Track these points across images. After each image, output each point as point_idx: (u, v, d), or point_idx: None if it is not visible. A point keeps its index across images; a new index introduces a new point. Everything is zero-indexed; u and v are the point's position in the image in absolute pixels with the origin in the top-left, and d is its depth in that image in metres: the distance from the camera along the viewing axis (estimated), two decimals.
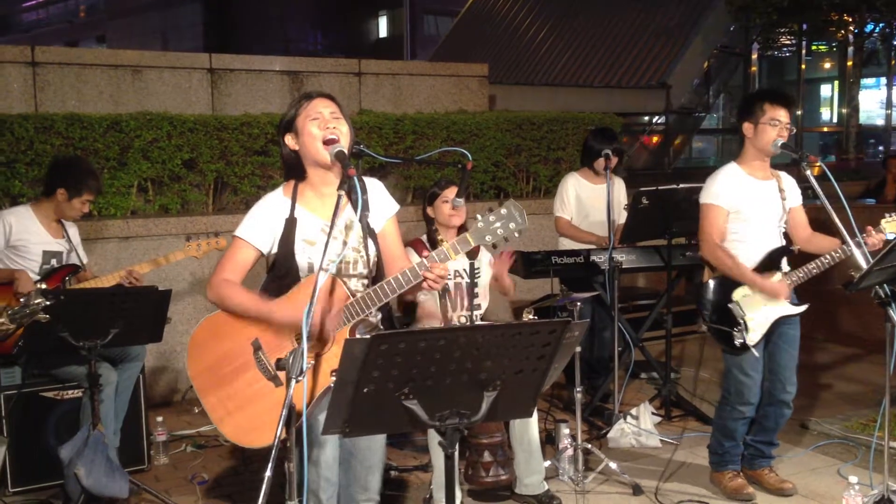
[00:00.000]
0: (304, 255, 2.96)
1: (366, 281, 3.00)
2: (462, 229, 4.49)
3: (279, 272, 2.99)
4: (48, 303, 2.76)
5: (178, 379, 6.18)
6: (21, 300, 2.78)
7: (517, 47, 21.81)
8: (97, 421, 4.11)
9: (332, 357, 2.80)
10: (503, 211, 2.72)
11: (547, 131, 7.94)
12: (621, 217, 5.58)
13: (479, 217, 2.76)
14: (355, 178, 2.79)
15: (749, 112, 4.18)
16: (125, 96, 7.07)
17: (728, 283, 4.18)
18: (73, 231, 4.80)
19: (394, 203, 3.14)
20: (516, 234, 2.74)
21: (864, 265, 3.80)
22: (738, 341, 4.14)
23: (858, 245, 3.91)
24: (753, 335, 4.15)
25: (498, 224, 2.72)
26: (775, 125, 4.09)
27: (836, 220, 3.86)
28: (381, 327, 2.94)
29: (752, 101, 4.23)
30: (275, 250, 3.01)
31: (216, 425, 2.93)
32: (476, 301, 4.44)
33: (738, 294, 4.16)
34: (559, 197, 5.77)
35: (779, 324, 4.20)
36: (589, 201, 5.70)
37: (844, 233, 3.88)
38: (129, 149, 6.14)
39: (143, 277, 4.77)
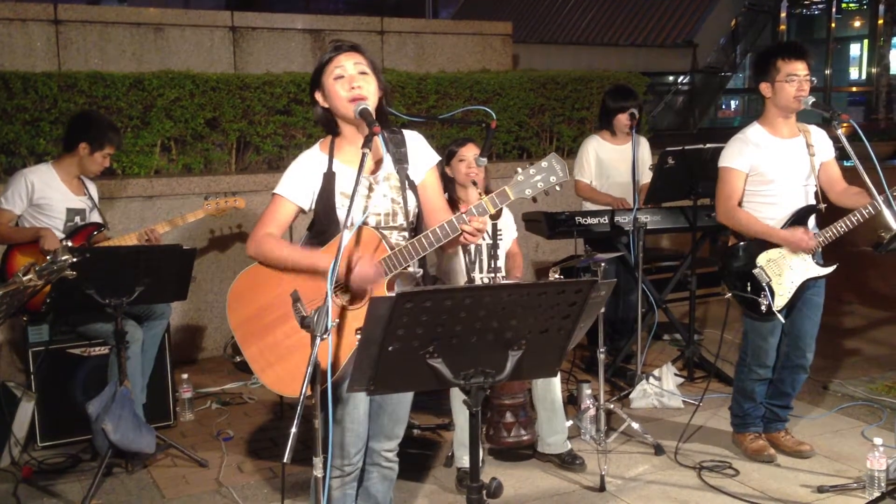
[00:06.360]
0: (343, 209, 2.91)
1: (406, 233, 2.96)
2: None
3: (320, 227, 2.97)
4: (74, 260, 2.77)
5: (204, 337, 6.24)
6: (48, 257, 2.79)
7: (541, 5, 21.49)
8: (124, 377, 4.16)
9: (361, 313, 2.78)
10: (544, 164, 2.73)
11: (571, 91, 7.83)
12: (645, 177, 5.53)
13: (519, 171, 2.76)
14: (379, 137, 2.76)
15: (764, 71, 4.06)
16: (148, 54, 7.07)
17: (752, 249, 4.12)
18: (92, 189, 4.81)
19: (434, 154, 3.09)
20: (557, 188, 2.75)
21: (893, 225, 3.74)
22: (763, 307, 4.09)
23: (887, 202, 3.78)
24: (779, 300, 4.10)
25: (539, 177, 2.73)
26: (793, 80, 3.97)
27: (867, 180, 3.78)
28: (421, 282, 2.93)
29: (765, 59, 4.09)
30: (314, 206, 2.98)
31: (258, 375, 2.96)
32: (497, 263, 4.43)
33: (763, 259, 4.10)
34: (578, 160, 5.69)
35: (803, 290, 4.14)
36: (611, 163, 5.62)
37: (873, 190, 3.78)
38: (152, 107, 6.14)
39: (161, 237, 4.78)
